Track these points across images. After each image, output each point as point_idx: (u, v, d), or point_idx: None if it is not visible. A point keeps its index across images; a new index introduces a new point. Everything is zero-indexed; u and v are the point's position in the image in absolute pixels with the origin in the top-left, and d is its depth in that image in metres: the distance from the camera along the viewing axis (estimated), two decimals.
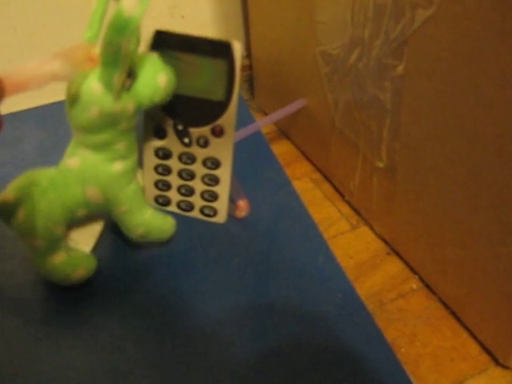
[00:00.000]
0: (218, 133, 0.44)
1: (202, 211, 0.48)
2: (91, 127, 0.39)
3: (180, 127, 0.44)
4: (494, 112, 0.47)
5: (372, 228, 0.77)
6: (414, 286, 0.63)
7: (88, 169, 0.41)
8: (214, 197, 0.47)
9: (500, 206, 0.49)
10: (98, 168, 0.41)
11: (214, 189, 0.47)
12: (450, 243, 0.58)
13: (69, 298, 0.44)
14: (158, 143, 0.46)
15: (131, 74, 0.39)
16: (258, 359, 0.39)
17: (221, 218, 0.48)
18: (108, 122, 0.39)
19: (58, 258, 0.42)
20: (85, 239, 0.46)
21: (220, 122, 0.43)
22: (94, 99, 0.37)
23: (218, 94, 0.42)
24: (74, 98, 0.38)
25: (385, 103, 0.67)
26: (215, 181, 0.46)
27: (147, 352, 0.40)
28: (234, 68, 0.41)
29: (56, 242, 0.41)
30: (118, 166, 0.41)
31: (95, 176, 0.41)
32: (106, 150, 0.40)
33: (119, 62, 0.36)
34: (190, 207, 0.48)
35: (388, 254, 0.71)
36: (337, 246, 0.74)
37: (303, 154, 1.02)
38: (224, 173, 0.46)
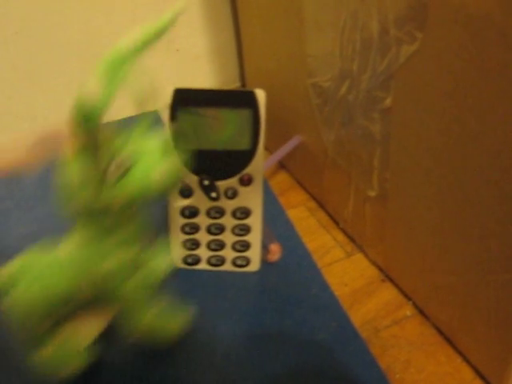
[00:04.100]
0: (247, 181, 0.43)
1: (234, 263, 0.47)
2: (74, 215, 0.35)
3: (206, 182, 0.43)
4: (478, 143, 0.48)
5: (366, 255, 0.78)
6: (408, 313, 0.64)
7: (78, 262, 0.35)
8: (245, 246, 0.46)
9: (488, 234, 0.50)
10: (89, 261, 0.35)
11: (246, 238, 0.46)
12: (441, 270, 0.59)
13: None
14: (183, 202, 0.44)
15: (123, 163, 0.34)
16: None
17: (254, 266, 0.47)
18: (91, 213, 0.34)
19: (45, 352, 0.37)
20: (87, 329, 0.39)
21: (248, 170, 0.43)
22: (73, 185, 0.33)
23: (243, 143, 0.42)
24: (60, 178, 0.34)
25: (374, 134, 0.68)
26: (246, 230, 0.45)
27: (148, 381, 0.41)
28: (258, 115, 0.41)
29: (40, 336, 0.37)
30: (112, 261, 0.35)
31: (86, 270, 0.35)
32: (94, 243, 0.35)
33: (93, 150, 0.32)
34: (222, 261, 0.47)
35: (382, 280, 0.72)
36: (332, 274, 0.74)
37: (298, 182, 1.03)
38: (255, 221, 0.45)
